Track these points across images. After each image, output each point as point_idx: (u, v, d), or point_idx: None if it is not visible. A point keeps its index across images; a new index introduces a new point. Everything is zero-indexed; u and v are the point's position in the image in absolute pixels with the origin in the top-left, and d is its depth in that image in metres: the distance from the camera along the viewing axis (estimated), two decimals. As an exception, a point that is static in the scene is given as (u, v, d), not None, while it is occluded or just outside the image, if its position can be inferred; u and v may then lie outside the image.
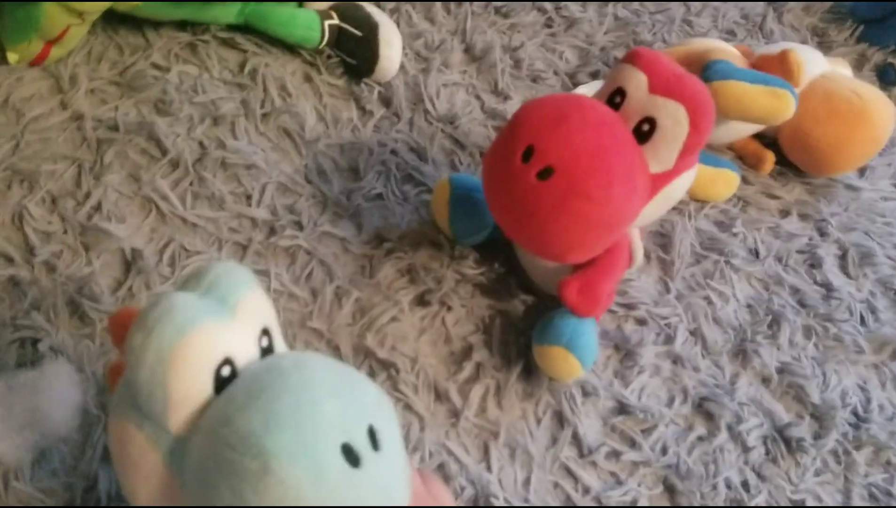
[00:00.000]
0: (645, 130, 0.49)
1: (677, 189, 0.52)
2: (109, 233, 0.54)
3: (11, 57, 0.59)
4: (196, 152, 0.59)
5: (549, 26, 0.77)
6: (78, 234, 0.54)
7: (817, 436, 0.58)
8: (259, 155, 0.60)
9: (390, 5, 0.72)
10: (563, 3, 0.78)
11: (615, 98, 0.51)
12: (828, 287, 0.66)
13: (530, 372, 0.55)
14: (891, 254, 0.69)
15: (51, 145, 0.57)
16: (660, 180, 0.50)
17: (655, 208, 0.52)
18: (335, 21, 0.65)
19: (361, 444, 0.32)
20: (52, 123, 0.58)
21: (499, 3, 0.77)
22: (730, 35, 0.82)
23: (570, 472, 0.52)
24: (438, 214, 0.58)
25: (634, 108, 0.49)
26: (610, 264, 0.53)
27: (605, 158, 0.48)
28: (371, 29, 0.65)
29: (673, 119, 0.48)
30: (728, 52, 0.67)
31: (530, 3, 0.77)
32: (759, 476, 0.55)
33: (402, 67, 0.68)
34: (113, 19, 0.62)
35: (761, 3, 0.86)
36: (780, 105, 0.61)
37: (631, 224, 0.52)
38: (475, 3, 0.76)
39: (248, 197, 0.59)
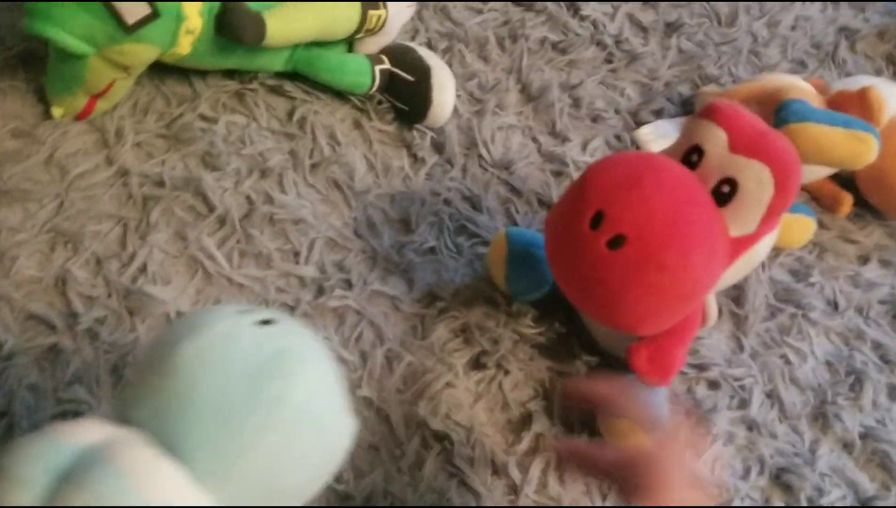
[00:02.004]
0: (725, 192, 0.45)
1: (759, 252, 0.48)
2: (154, 297, 0.52)
3: (56, 111, 0.58)
4: (243, 208, 0.57)
5: (610, 62, 0.74)
6: (122, 298, 0.52)
7: (907, 510, 0.54)
8: (307, 209, 0.58)
9: (442, 45, 0.70)
10: (624, 37, 0.75)
11: (692, 156, 0.47)
12: (914, 344, 0.61)
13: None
14: (983, 304, 0.64)
15: (96, 204, 0.56)
16: (741, 245, 0.46)
17: (735, 272, 0.48)
18: (386, 66, 0.63)
19: None
20: (97, 179, 0.57)
21: (556, 39, 0.73)
22: (800, 66, 0.78)
23: (637, 555, 0.49)
24: (494, 270, 0.55)
25: (714, 167, 0.45)
26: (683, 329, 0.50)
27: (683, 226, 0.44)
28: (423, 73, 0.62)
29: (756, 181, 0.44)
30: (802, 89, 0.63)
31: (589, 38, 0.74)
32: (844, 555, 0.51)
33: (455, 110, 0.65)
34: (159, 69, 0.61)
35: (833, 31, 0.81)
36: (862, 149, 0.57)
37: (710, 292, 0.48)
38: (531, 39, 0.72)
39: (296, 254, 0.56)
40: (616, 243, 0.43)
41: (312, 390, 0.32)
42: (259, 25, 0.54)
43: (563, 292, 0.49)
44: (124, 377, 0.49)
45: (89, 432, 0.31)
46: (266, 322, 0.33)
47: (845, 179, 0.68)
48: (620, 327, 0.48)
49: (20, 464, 0.29)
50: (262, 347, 0.31)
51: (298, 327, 0.34)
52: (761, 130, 0.46)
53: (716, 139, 0.46)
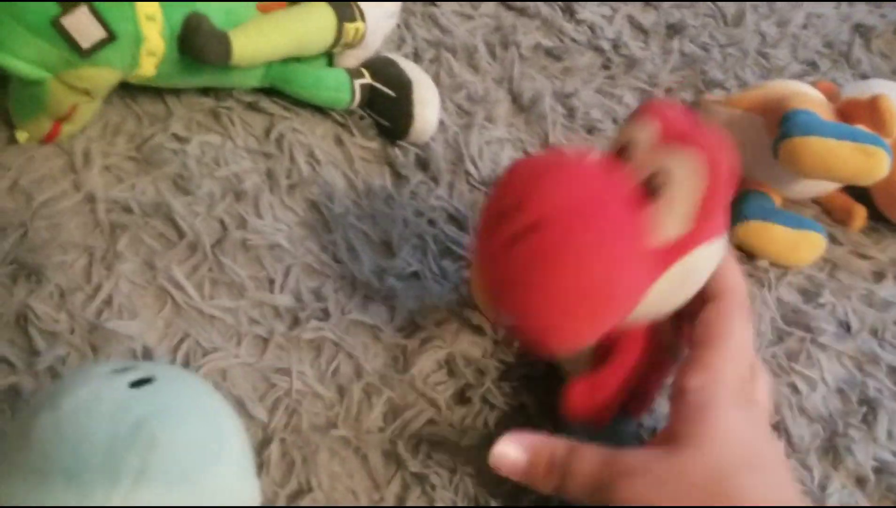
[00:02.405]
0: (655, 185, 0.40)
1: (697, 266, 0.42)
2: (119, 332, 0.49)
3: (21, 136, 0.55)
4: (216, 233, 0.55)
5: (607, 68, 0.70)
6: (86, 333, 0.49)
7: (925, 552, 0.50)
8: (283, 233, 0.55)
9: (429, 54, 0.66)
10: (623, 40, 0.71)
11: (623, 154, 0.42)
12: (931, 367, 0.57)
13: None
14: None
15: (61, 232, 0.53)
16: (673, 250, 0.41)
17: (669, 289, 0.42)
18: (367, 80, 0.59)
19: None
20: (63, 206, 0.54)
21: (550, 45, 0.70)
22: (811, 67, 0.73)
23: None
24: (478, 295, 0.52)
25: (643, 160, 0.41)
26: (623, 360, 0.45)
27: (592, 214, 0.39)
28: (404, 88, 0.59)
29: (690, 170, 0.39)
30: (810, 97, 0.59)
31: (585, 42, 0.70)
32: None
33: (441, 123, 0.62)
34: (131, 88, 0.58)
35: (847, 28, 0.77)
36: (871, 164, 0.53)
37: (633, 305, 0.42)
38: (523, 46, 0.69)
39: (271, 282, 0.53)
40: (522, 234, 0.40)
41: (186, 457, 0.29)
42: (224, 45, 0.51)
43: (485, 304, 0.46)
44: None
45: None
46: (142, 382, 0.30)
47: (859, 191, 0.64)
48: (537, 335, 0.42)
49: None
50: (126, 413, 0.29)
51: (178, 380, 0.32)
52: (693, 121, 0.41)
53: (647, 131, 0.41)
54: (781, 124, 0.55)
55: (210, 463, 0.30)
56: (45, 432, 0.28)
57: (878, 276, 0.62)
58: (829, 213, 0.64)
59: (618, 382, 0.45)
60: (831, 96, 0.61)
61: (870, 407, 0.55)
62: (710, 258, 0.43)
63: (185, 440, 0.29)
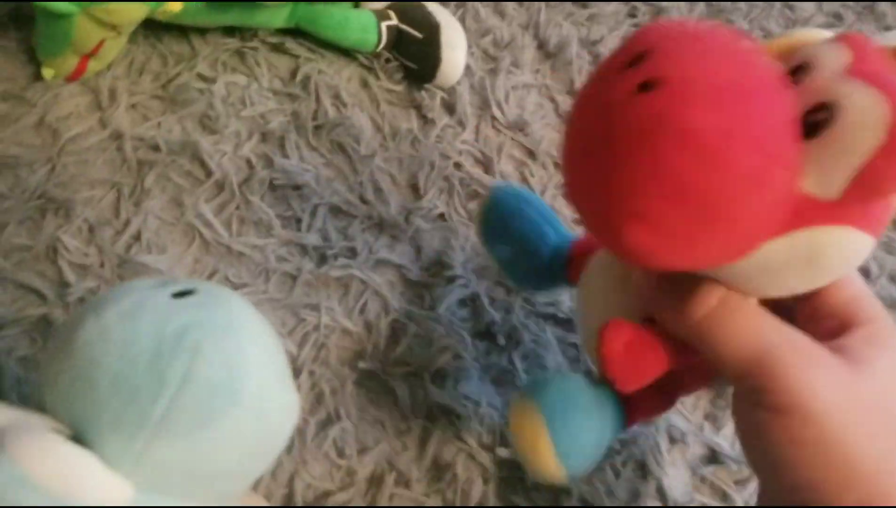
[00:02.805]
0: (818, 120, 0.30)
1: (828, 251, 0.32)
2: (148, 266, 0.50)
3: (47, 72, 0.55)
4: (243, 173, 0.55)
5: (633, 16, 0.70)
6: (115, 267, 0.50)
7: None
8: (310, 173, 0.55)
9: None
10: (647, -11, 0.71)
11: (795, 73, 0.32)
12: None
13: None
14: None
15: (88, 169, 0.53)
16: (809, 211, 0.31)
17: (785, 259, 0.32)
18: (394, 22, 0.59)
19: None
20: (90, 143, 0.54)
21: (575, -8, 0.69)
22: (836, 19, 0.73)
23: (654, 538, 0.46)
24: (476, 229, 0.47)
25: (817, 86, 0.30)
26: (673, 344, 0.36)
27: (739, 97, 0.29)
28: (432, 30, 0.59)
29: (862, 112, 0.29)
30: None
31: (610, -10, 0.70)
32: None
33: (467, 68, 0.62)
34: (156, 27, 0.58)
35: (873, -20, 0.77)
36: None
37: (743, 246, 0.31)
38: (548, -8, 0.69)
39: (298, 221, 0.54)
40: (649, 86, 0.29)
41: (228, 364, 0.29)
42: (254, -22, 0.51)
43: (563, 174, 0.34)
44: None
45: None
46: (184, 294, 0.31)
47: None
48: (610, 222, 0.31)
49: None
50: (169, 321, 0.29)
51: (220, 295, 0.32)
52: (893, 67, 0.31)
53: (834, 56, 0.31)
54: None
55: (253, 372, 0.30)
56: (90, 339, 0.29)
57: (900, 225, 0.62)
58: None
59: (661, 356, 0.37)
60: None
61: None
62: (848, 252, 0.32)
63: (228, 348, 0.29)
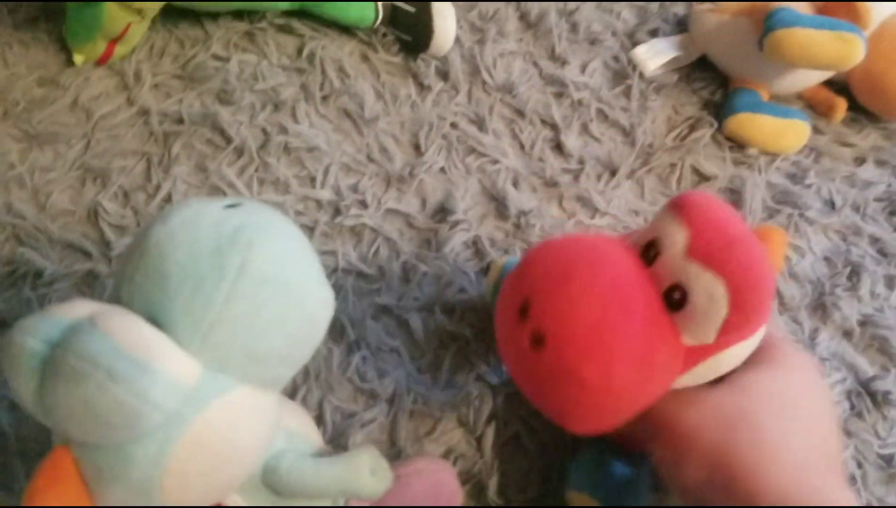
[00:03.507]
0: (675, 299, 0.38)
1: (724, 361, 0.40)
2: (181, 222, 0.55)
3: (78, 58, 0.61)
4: (259, 139, 0.60)
5: (605, -13, 0.76)
6: (151, 225, 0.55)
7: (905, 389, 0.56)
8: (321, 137, 0.61)
9: (442, -22, 0.72)
10: (618, -38, 0.76)
11: (650, 251, 0.40)
12: (910, 235, 0.64)
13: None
14: (977, 196, 0.66)
15: (120, 142, 0.59)
16: (696, 354, 0.39)
17: (697, 377, 0.41)
18: (388, -1, 0.65)
19: None
20: (120, 119, 0.60)
21: (552, -32, 0.75)
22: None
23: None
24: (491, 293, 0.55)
25: (667, 269, 0.38)
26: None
27: (606, 335, 0.37)
28: (424, 4, 0.64)
29: (707, 296, 0.37)
30: (792, -2, 0.64)
31: (584, -36, 0.76)
32: (846, 431, 0.54)
33: (457, 39, 0.68)
34: (172, 14, 0.64)
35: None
36: (848, 50, 0.59)
37: (652, 400, 0.40)
38: (527, -31, 0.75)
39: (313, 179, 0.59)
40: (538, 341, 0.37)
41: (275, 259, 0.35)
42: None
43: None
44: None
45: (80, 308, 0.34)
46: (232, 206, 0.36)
47: (839, 86, 0.70)
48: (558, 421, 0.41)
49: (22, 335, 0.33)
50: (225, 223, 0.35)
51: (264, 207, 0.38)
52: (729, 238, 0.37)
53: (675, 237, 0.38)
54: (766, 21, 0.61)
55: (296, 266, 0.36)
56: (160, 239, 0.34)
57: (859, 161, 0.68)
58: (812, 107, 0.70)
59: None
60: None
61: (854, 271, 0.61)
62: (738, 354, 0.41)
63: (277, 244, 0.35)
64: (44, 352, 0.32)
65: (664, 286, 0.38)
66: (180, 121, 0.60)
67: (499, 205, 0.60)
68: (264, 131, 0.61)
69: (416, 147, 0.62)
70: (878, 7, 0.65)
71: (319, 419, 0.50)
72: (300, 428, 0.43)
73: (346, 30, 0.67)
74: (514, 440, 0.51)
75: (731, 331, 0.37)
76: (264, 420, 0.37)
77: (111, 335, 0.32)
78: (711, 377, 0.41)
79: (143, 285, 0.34)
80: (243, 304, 0.34)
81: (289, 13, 0.66)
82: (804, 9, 0.64)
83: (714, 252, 0.37)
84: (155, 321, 0.34)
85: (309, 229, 0.57)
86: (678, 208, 0.39)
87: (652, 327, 0.38)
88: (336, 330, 0.53)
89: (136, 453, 0.33)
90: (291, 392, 0.51)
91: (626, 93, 0.68)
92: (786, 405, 0.40)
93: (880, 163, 0.67)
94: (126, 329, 0.32)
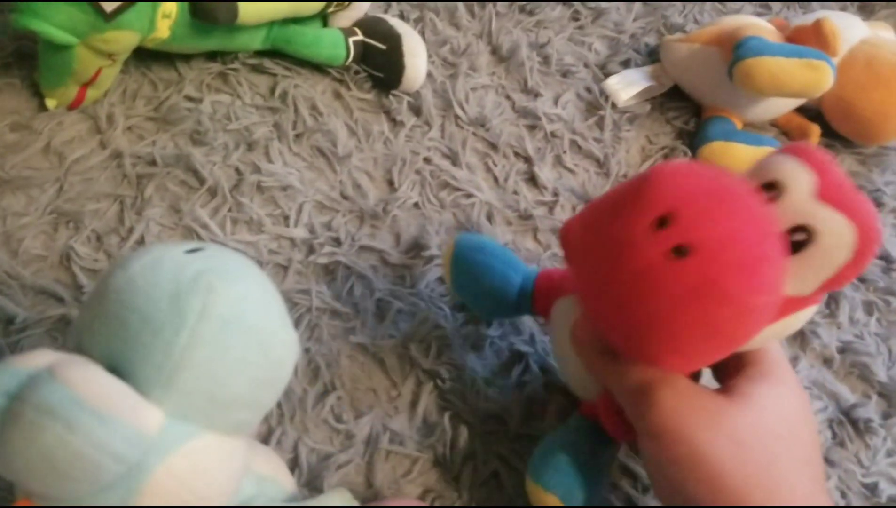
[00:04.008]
0: (798, 241, 0.37)
1: (796, 323, 0.40)
2: (153, 265, 0.55)
3: (50, 102, 0.61)
4: (233, 179, 0.60)
5: (576, 19, 0.76)
6: (124, 268, 0.55)
7: (886, 415, 0.56)
8: (294, 176, 0.61)
9: (414, 15, 0.73)
10: (590, -6, 0.77)
11: (768, 191, 0.39)
12: (887, 259, 0.64)
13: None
14: (952, 219, 0.66)
15: (93, 185, 0.59)
16: (790, 306, 0.39)
17: (769, 336, 0.40)
18: (359, 37, 0.65)
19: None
20: (93, 163, 0.60)
21: (523, 1, 0.76)
22: (765, 9, 0.80)
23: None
24: (445, 274, 0.54)
25: (792, 210, 0.38)
26: None
27: (762, 260, 0.36)
28: (394, 41, 0.65)
29: (836, 238, 0.37)
30: (761, 27, 0.65)
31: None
32: (828, 461, 0.54)
33: (429, 74, 0.68)
34: (145, 56, 0.64)
35: (796, -28, 0.84)
36: (817, 77, 0.59)
37: (749, 341, 0.39)
38: (499, 3, 0.75)
39: (286, 218, 0.59)
40: (681, 252, 0.35)
41: (237, 303, 0.34)
42: (231, 6, 0.57)
43: (584, 303, 0.42)
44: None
45: (39, 358, 0.33)
46: (193, 251, 0.36)
47: (812, 113, 0.70)
48: (647, 354, 0.39)
49: None
50: (185, 268, 0.34)
51: (226, 251, 0.38)
52: (853, 187, 0.39)
53: (802, 179, 0.38)
54: (734, 50, 0.61)
55: (258, 309, 0.35)
56: (119, 286, 0.34)
57: (834, 186, 0.68)
58: (786, 134, 0.70)
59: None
60: (782, 28, 0.67)
61: (832, 297, 0.61)
62: (803, 319, 0.41)
63: (238, 288, 0.35)
64: (1, 404, 0.32)
65: (787, 225, 0.38)
66: (153, 163, 0.60)
67: (474, 239, 0.60)
68: (237, 171, 0.61)
69: (390, 183, 0.62)
70: (846, 33, 0.66)
71: (295, 462, 0.50)
72: (270, 472, 0.43)
73: (318, 68, 0.67)
74: (492, 478, 0.51)
75: (836, 281, 0.38)
76: (230, 467, 0.37)
77: (70, 386, 0.31)
78: (775, 339, 0.41)
79: (102, 333, 0.34)
80: (205, 349, 0.34)
81: (261, 53, 0.67)
82: (772, 37, 0.64)
83: (846, 197, 0.37)
84: (115, 369, 0.33)
85: (283, 268, 0.57)
86: (801, 153, 0.39)
87: (785, 259, 0.37)
88: (311, 370, 0.53)
89: (99, 506, 0.32)
90: (266, 434, 0.50)
91: (600, 124, 0.68)
92: (793, 429, 0.40)
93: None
94: (85, 380, 0.32)
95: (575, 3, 0.77)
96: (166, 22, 0.57)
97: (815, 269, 0.37)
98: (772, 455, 0.38)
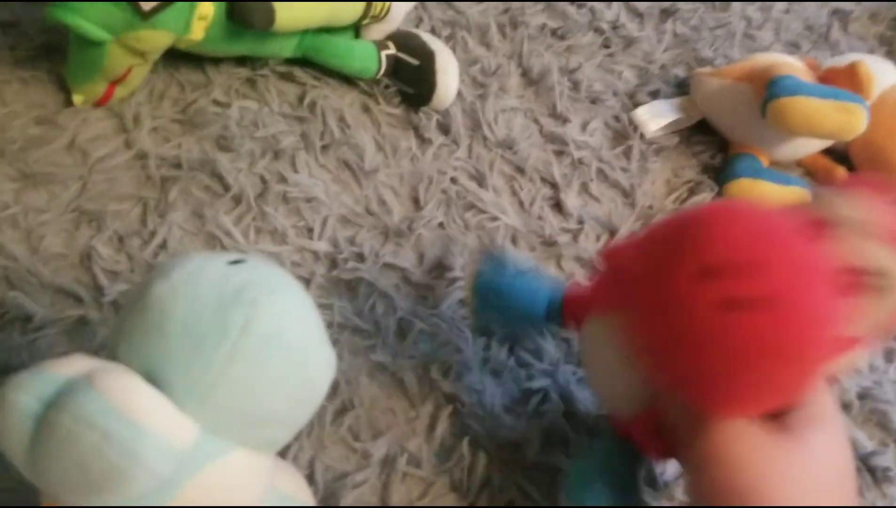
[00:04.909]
0: (868, 283, 0.36)
1: (843, 365, 0.39)
2: (175, 270, 0.54)
3: (77, 98, 0.60)
4: (258, 187, 0.60)
5: (607, 46, 0.76)
6: (145, 272, 0.54)
7: (904, 464, 0.55)
8: (319, 187, 0.60)
9: (445, 32, 0.72)
10: (621, 22, 0.77)
11: (825, 226, 0.37)
12: (908, 307, 0.63)
13: (600, 403, 0.54)
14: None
15: (116, 185, 0.58)
16: (844, 345, 0.37)
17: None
18: (392, 51, 0.65)
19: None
20: (117, 162, 0.59)
21: (555, 25, 0.76)
22: (794, 48, 0.80)
23: (644, 506, 0.51)
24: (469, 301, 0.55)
25: (851, 250, 0.36)
26: None
27: (830, 317, 0.34)
28: (428, 57, 0.64)
29: None
30: (793, 66, 0.65)
31: (587, 24, 0.76)
32: None
33: (459, 93, 0.67)
34: (174, 57, 0.63)
35: (825, 13, 0.84)
36: (851, 120, 0.59)
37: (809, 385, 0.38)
38: (531, 26, 0.75)
39: (310, 230, 0.59)
40: (742, 306, 0.33)
41: (279, 319, 0.34)
42: (269, 12, 0.56)
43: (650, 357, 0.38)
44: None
45: (76, 365, 0.33)
46: (236, 262, 0.35)
47: (839, 154, 0.70)
48: (696, 401, 0.37)
49: (15, 393, 0.32)
50: (228, 280, 0.34)
51: (268, 264, 0.37)
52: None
53: (855, 219, 0.37)
54: (769, 87, 0.61)
55: (299, 327, 0.35)
56: (161, 295, 0.33)
57: (858, 230, 0.68)
58: (811, 174, 0.70)
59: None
60: (813, 67, 0.67)
61: (852, 341, 0.60)
62: (856, 358, 0.39)
63: (281, 303, 0.34)
64: (37, 410, 0.31)
65: (850, 265, 0.36)
66: (178, 166, 0.59)
67: (498, 263, 0.59)
68: (263, 180, 0.60)
69: (416, 201, 0.62)
70: (878, 77, 0.66)
71: (310, 479, 0.49)
72: (292, 490, 0.42)
73: (347, 80, 0.67)
74: (508, 506, 0.50)
75: (886, 329, 0.37)
76: (257, 484, 0.36)
77: (107, 396, 0.31)
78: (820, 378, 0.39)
79: (142, 342, 0.33)
80: (245, 365, 0.33)
81: (291, 61, 0.66)
82: (804, 76, 0.64)
83: None
84: (153, 379, 0.33)
85: (305, 281, 0.56)
86: (854, 188, 0.38)
87: (847, 305, 0.35)
88: (329, 390, 0.52)
89: None
90: (283, 450, 0.49)
91: (627, 153, 0.68)
92: (839, 477, 0.39)
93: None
94: (123, 390, 0.31)
95: (606, 30, 0.77)
96: (202, 24, 0.57)
97: (879, 312, 0.36)
98: (817, 500, 0.37)
